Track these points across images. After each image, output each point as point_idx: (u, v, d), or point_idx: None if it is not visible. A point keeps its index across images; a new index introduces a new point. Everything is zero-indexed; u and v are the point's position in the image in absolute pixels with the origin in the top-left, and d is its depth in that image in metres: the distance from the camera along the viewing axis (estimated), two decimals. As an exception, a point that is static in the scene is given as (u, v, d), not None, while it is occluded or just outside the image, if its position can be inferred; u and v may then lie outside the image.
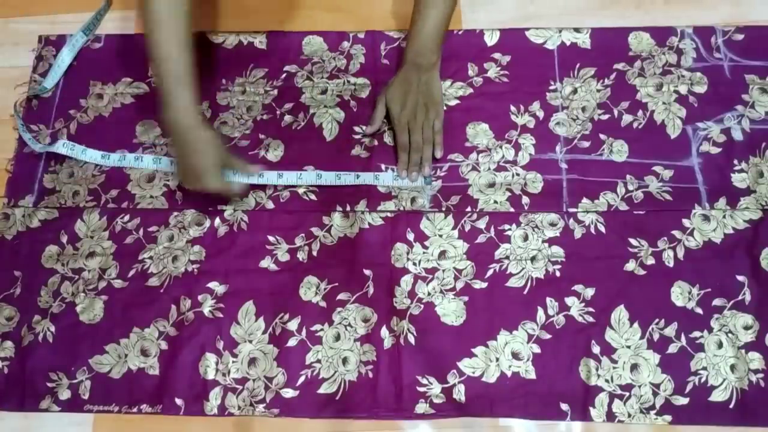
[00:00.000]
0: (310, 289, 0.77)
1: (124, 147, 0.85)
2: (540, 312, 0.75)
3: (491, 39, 0.88)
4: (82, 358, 0.75)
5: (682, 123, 0.82)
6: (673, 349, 0.73)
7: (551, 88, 0.85)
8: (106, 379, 0.74)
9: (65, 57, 0.88)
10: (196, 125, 0.71)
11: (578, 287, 0.76)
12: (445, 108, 0.84)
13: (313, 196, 0.81)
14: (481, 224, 0.79)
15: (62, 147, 0.82)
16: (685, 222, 0.78)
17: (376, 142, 0.83)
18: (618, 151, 0.81)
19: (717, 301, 0.74)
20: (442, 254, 0.78)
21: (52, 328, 0.77)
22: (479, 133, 0.83)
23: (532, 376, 0.72)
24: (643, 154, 0.81)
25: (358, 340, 0.75)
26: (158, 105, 0.72)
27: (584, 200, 0.79)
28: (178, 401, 0.73)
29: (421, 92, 0.79)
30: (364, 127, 0.83)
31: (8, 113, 0.88)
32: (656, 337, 0.73)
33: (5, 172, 0.85)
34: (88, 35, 0.90)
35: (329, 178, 0.81)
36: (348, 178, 0.80)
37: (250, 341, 0.75)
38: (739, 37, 0.86)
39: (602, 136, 0.82)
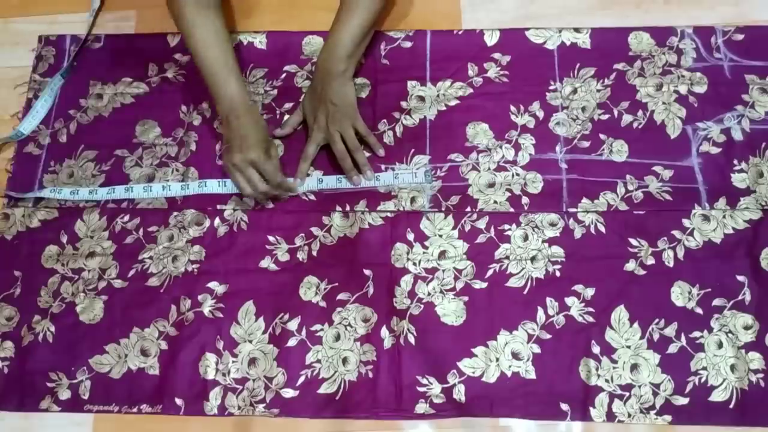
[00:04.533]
0: (310, 289, 0.77)
1: (124, 147, 0.85)
2: (540, 312, 0.75)
3: (491, 39, 0.87)
4: (82, 358, 0.75)
5: (682, 123, 0.82)
6: (673, 349, 0.73)
7: (551, 88, 0.85)
8: (106, 379, 0.74)
9: (43, 103, 0.86)
10: (246, 109, 0.76)
11: (578, 287, 0.76)
12: (445, 108, 0.84)
13: (312, 196, 0.81)
14: (481, 224, 0.79)
15: (49, 192, 0.82)
16: (685, 222, 0.78)
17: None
18: (618, 151, 0.81)
19: (717, 301, 0.74)
20: (442, 254, 0.78)
21: (52, 328, 0.77)
22: (479, 133, 0.83)
23: (532, 376, 0.72)
24: (643, 154, 0.81)
25: (358, 340, 0.75)
26: (210, 97, 0.78)
27: (584, 200, 0.79)
28: (178, 401, 0.73)
29: (331, 102, 0.78)
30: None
31: (8, 113, 0.88)
32: (656, 337, 0.73)
33: (5, 172, 0.85)
34: (66, 77, 0.89)
35: (330, 182, 0.81)
36: (349, 182, 0.80)
37: (250, 341, 0.75)
38: (739, 37, 0.86)
39: (602, 136, 0.82)
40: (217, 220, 0.80)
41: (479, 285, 0.76)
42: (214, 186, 0.81)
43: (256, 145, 0.75)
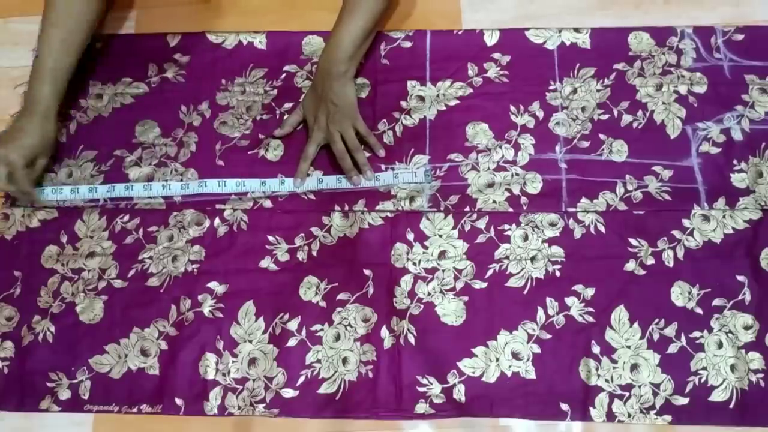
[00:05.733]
0: (310, 289, 0.77)
1: (123, 147, 0.85)
2: (540, 312, 0.75)
3: (491, 39, 0.88)
4: (82, 358, 0.75)
5: (682, 123, 0.82)
6: (673, 349, 0.73)
7: (551, 88, 0.85)
8: (106, 379, 0.74)
9: None
10: (41, 115, 0.77)
11: (578, 287, 0.76)
12: (444, 108, 0.84)
13: (312, 196, 0.81)
14: (481, 224, 0.79)
15: (51, 193, 0.82)
16: (685, 222, 0.78)
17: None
18: (618, 151, 0.81)
19: (717, 301, 0.74)
20: (442, 254, 0.78)
21: (52, 328, 0.77)
22: (479, 133, 0.83)
23: (532, 376, 0.72)
24: (642, 154, 0.81)
25: (358, 340, 0.75)
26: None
27: (583, 200, 0.79)
28: (178, 401, 0.73)
29: (331, 102, 0.78)
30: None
31: (8, 113, 0.88)
32: (656, 337, 0.73)
33: (5, 172, 0.85)
34: None
35: (330, 182, 0.81)
36: (349, 182, 0.80)
37: (250, 341, 0.75)
38: (739, 37, 0.86)
39: (602, 136, 0.82)
40: (216, 220, 0.80)
41: (479, 285, 0.76)
42: (213, 186, 0.81)
43: (21, 148, 0.75)
